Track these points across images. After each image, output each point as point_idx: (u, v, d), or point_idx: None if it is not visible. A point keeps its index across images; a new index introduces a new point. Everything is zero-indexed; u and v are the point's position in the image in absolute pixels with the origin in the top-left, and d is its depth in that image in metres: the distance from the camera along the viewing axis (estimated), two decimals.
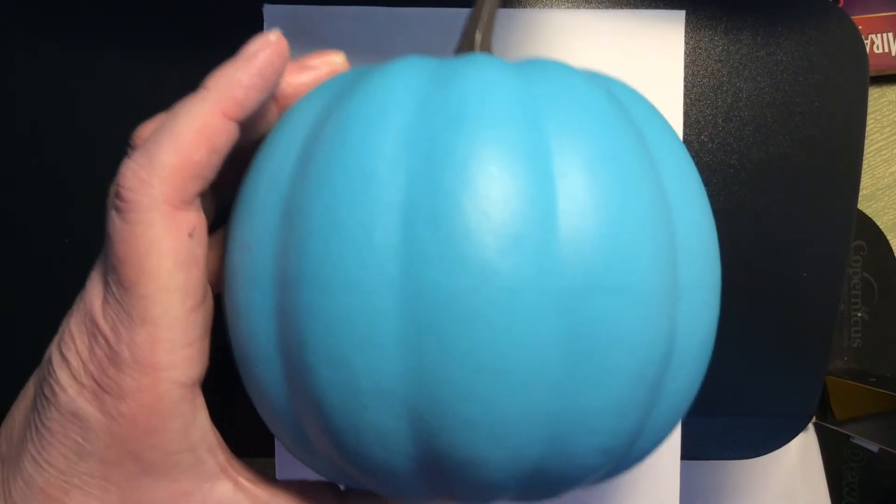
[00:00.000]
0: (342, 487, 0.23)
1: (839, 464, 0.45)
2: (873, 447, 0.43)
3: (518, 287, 0.17)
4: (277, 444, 0.33)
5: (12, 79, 0.32)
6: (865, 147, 0.39)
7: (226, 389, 0.23)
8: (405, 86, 0.19)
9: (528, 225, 0.17)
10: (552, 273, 0.17)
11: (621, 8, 0.33)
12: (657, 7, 0.33)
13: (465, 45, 0.23)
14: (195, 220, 0.20)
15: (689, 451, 0.34)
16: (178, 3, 0.32)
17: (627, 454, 0.20)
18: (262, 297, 0.19)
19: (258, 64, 0.20)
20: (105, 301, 0.19)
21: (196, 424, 0.20)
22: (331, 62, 0.23)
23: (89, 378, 0.19)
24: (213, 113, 0.19)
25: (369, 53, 0.31)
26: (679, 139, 0.21)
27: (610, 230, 0.18)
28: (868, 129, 0.47)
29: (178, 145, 0.19)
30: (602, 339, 0.17)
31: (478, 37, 0.23)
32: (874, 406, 0.40)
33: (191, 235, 0.19)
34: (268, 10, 0.31)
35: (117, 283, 0.19)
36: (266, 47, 0.20)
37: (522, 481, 0.19)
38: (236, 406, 0.25)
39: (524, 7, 0.33)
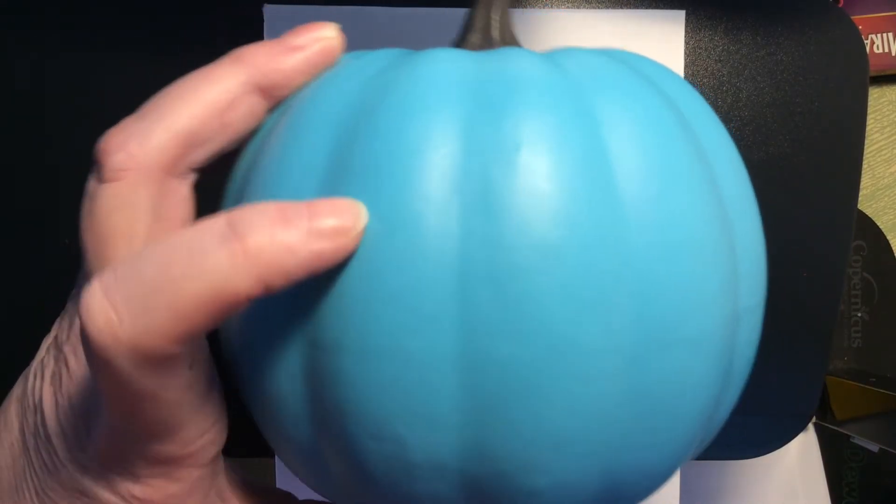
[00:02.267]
0: None
1: (839, 464, 0.45)
2: (873, 447, 0.43)
3: (590, 354, 0.15)
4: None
5: (12, 78, 0.32)
6: (865, 147, 0.39)
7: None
8: (445, 102, 0.16)
9: (600, 284, 0.15)
10: (623, 333, 0.15)
11: (621, 8, 0.33)
12: (657, 7, 0.33)
13: (481, 38, 0.20)
14: (190, 354, 0.16)
15: None
16: (178, 2, 0.32)
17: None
18: (288, 355, 0.17)
19: (319, 256, 0.15)
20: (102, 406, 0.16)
21: (213, 488, 0.19)
22: (321, 38, 0.18)
23: (93, 461, 0.17)
24: (236, 294, 0.14)
25: None
26: (727, 135, 0.19)
27: (683, 276, 0.16)
28: (868, 129, 0.47)
29: (177, 315, 0.14)
30: (669, 391, 0.16)
31: (496, 26, 0.20)
32: (874, 406, 0.40)
33: (190, 367, 0.16)
34: (268, 10, 0.31)
35: (113, 415, 0.16)
36: (338, 238, 0.15)
37: None
38: (234, 406, 0.25)
39: (524, 7, 0.33)
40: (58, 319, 0.19)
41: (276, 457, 0.33)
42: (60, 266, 0.32)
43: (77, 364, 0.17)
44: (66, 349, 0.18)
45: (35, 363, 0.19)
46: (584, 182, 0.15)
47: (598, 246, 0.15)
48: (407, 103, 0.16)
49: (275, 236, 0.14)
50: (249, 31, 0.31)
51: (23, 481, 0.18)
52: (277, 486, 0.33)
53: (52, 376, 0.18)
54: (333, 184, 0.16)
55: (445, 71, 0.17)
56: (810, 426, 0.44)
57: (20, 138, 0.32)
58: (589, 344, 0.15)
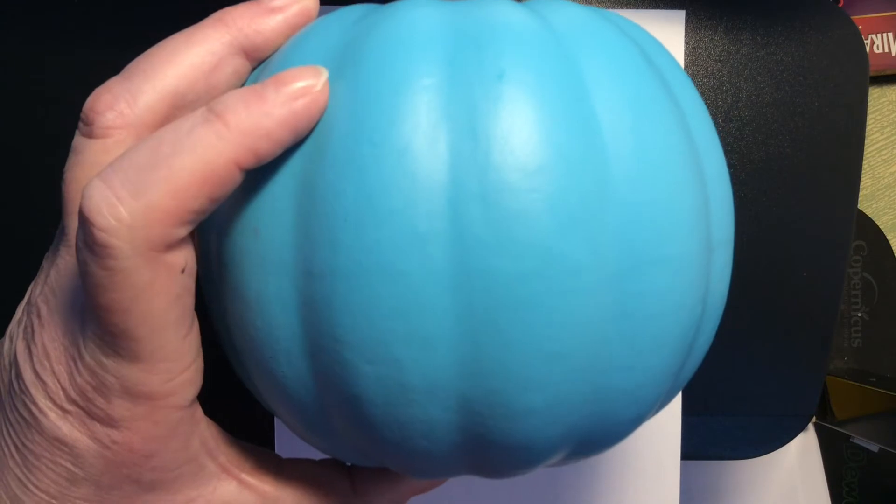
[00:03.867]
0: (348, 463, 0.22)
1: (839, 464, 0.45)
2: (873, 447, 0.43)
3: (577, 268, 0.16)
4: (277, 426, 0.33)
5: (11, 78, 0.32)
6: (865, 147, 0.39)
7: (218, 374, 0.22)
8: (429, 38, 0.17)
9: (583, 201, 0.16)
10: (606, 250, 0.16)
11: (621, 8, 0.33)
12: (657, 7, 0.33)
13: None
14: (186, 254, 0.17)
15: (689, 451, 0.34)
16: (177, 2, 0.32)
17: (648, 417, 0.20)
18: (279, 288, 0.17)
19: (294, 113, 0.16)
20: (84, 334, 0.17)
21: (195, 435, 0.19)
22: (299, 0, 0.19)
23: (72, 404, 0.17)
24: (226, 162, 0.16)
25: None
26: (691, 82, 0.20)
27: (659, 198, 0.17)
28: (868, 129, 0.47)
29: (174, 188, 0.15)
30: (652, 311, 0.17)
31: None
32: (874, 406, 0.40)
33: (183, 271, 0.16)
34: None
35: (101, 325, 0.16)
36: (306, 95, 0.16)
37: (559, 454, 0.19)
38: (230, 391, 0.25)
39: None
40: (30, 286, 0.19)
41: (276, 440, 0.33)
42: None
43: (48, 311, 0.18)
44: (39, 300, 0.18)
45: (10, 327, 0.19)
46: (564, 106, 0.16)
47: (580, 166, 0.16)
48: (391, 39, 0.17)
49: (250, 107, 0.16)
50: None
51: (1, 440, 0.18)
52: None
53: (23, 331, 0.18)
54: (326, 121, 0.17)
55: (427, 12, 0.18)
56: (810, 426, 0.44)
57: (20, 138, 0.32)
58: (575, 258, 0.16)
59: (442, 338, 0.16)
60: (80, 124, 0.18)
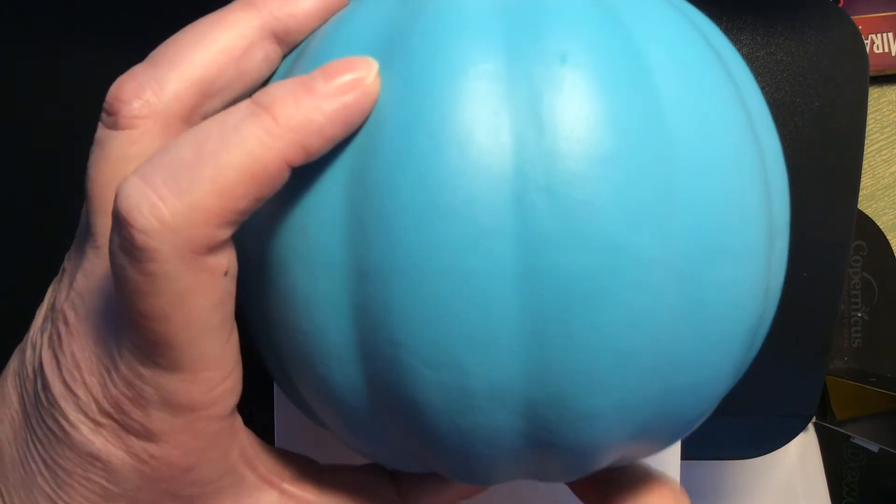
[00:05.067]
0: (390, 468, 0.21)
1: (839, 464, 0.45)
2: (873, 447, 0.43)
3: (648, 261, 0.15)
4: (277, 425, 0.33)
5: (11, 78, 0.32)
6: (865, 147, 0.39)
7: None
8: (482, 19, 0.16)
9: (653, 190, 0.15)
10: (676, 241, 0.15)
11: None
12: None
13: None
14: (229, 255, 0.16)
15: (689, 451, 0.34)
16: (178, 2, 0.32)
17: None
18: (330, 289, 0.16)
19: (345, 107, 0.15)
20: (119, 342, 0.16)
21: (234, 446, 0.18)
22: None
23: (106, 417, 0.16)
24: (276, 159, 0.15)
25: None
26: (746, 65, 0.19)
27: (726, 185, 0.16)
28: (868, 129, 0.47)
29: (221, 186, 0.14)
30: (722, 302, 0.16)
31: None
32: (874, 406, 0.40)
33: (226, 274, 0.15)
34: None
35: (139, 333, 0.15)
36: (357, 87, 0.15)
37: (618, 455, 0.18)
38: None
39: None
40: (52, 284, 0.18)
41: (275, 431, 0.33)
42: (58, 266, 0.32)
43: (76, 318, 0.17)
44: (65, 306, 0.17)
45: (31, 334, 0.18)
46: (631, 91, 0.15)
47: (649, 153, 0.15)
48: (441, 24, 0.16)
49: (299, 101, 0.15)
50: None
51: (28, 455, 0.17)
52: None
53: (49, 339, 0.17)
54: (379, 109, 0.16)
55: None
56: (810, 426, 0.44)
57: (20, 139, 0.32)
58: (645, 251, 0.15)
59: (508, 339, 0.15)
60: (104, 115, 0.17)
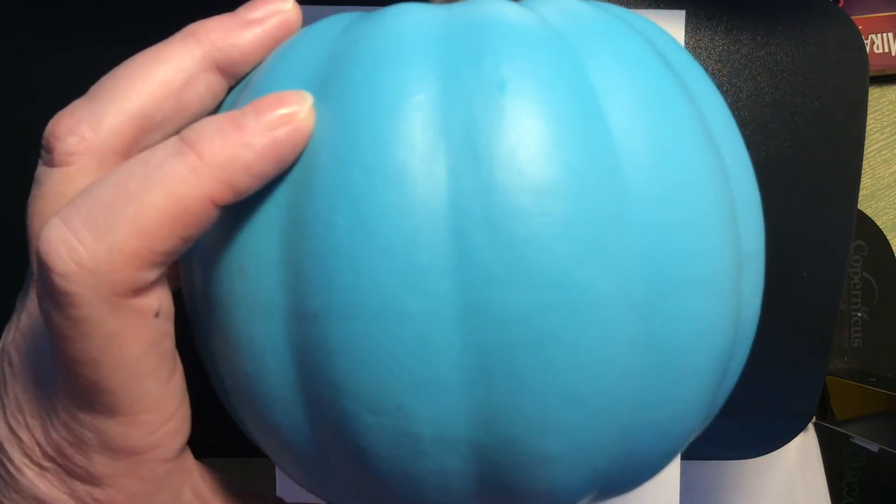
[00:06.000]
0: None
1: (839, 464, 0.45)
2: (873, 447, 0.43)
3: (598, 297, 0.14)
4: None
5: (11, 79, 0.32)
6: (865, 147, 0.39)
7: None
8: (419, 48, 0.15)
9: (601, 222, 0.14)
10: (629, 274, 0.14)
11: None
12: (657, 7, 0.33)
13: None
14: (160, 295, 0.15)
15: (689, 451, 0.34)
16: (177, 2, 0.32)
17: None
18: (269, 331, 0.15)
19: (276, 142, 0.14)
20: (56, 386, 0.15)
21: (186, 487, 0.17)
22: (279, 11, 0.17)
23: (49, 461, 0.16)
24: (200, 198, 0.14)
25: None
26: (712, 84, 0.18)
27: (683, 213, 0.15)
28: (868, 129, 0.47)
29: (142, 227, 0.14)
30: (683, 336, 0.15)
31: None
32: (874, 406, 0.40)
33: (157, 315, 0.15)
34: None
35: (70, 378, 0.15)
36: (289, 122, 0.15)
37: (586, 499, 0.17)
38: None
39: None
40: (6, 327, 0.18)
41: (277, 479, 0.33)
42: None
43: (19, 358, 0.16)
44: (10, 346, 0.17)
45: None
46: (575, 118, 0.15)
47: (595, 183, 0.14)
48: (377, 54, 0.15)
49: (226, 137, 0.14)
50: None
51: None
52: (279, 492, 0.33)
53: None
54: (312, 146, 0.15)
55: (414, 19, 0.16)
56: (810, 426, 0.44)
57: (20, 140, 0.32)
58: (594, 286, 0.14)
59: (451, 382, 0.14)
60: (42, 151, 0.16)
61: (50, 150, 0.16)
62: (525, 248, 0.14)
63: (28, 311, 0.17)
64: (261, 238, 0.15)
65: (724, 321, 0.16)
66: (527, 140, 0.14)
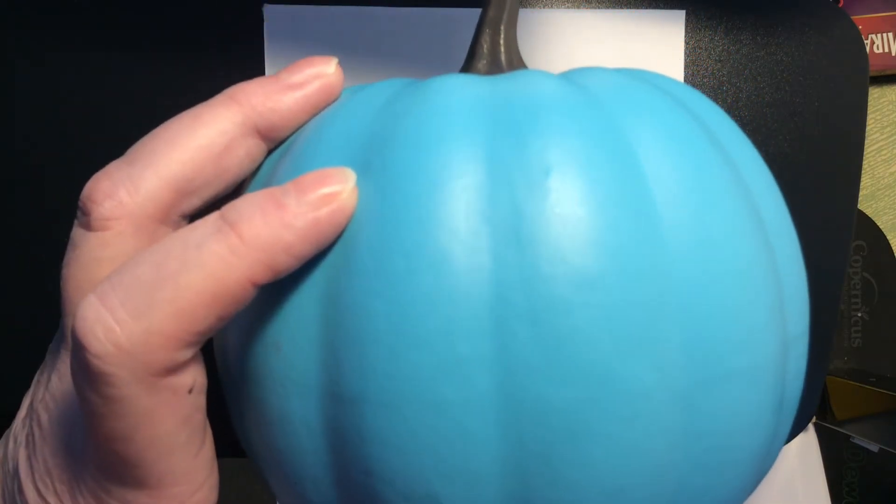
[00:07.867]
0: None
1: (839, 464, 0.45)
2: (873, 447, 0.43)
3: (640, 391, 0.14)
4: None
5: (11, 82, 0.32)
6: (865, 147, 0.39)
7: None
8: (465, 128, 0.15)
9: (646, 315, 0.14)
10: (672, 368, 0.14)
11: (621, 8, 0.33)
12: (657, 7, 0.33)
13: (489, 64, 0.18)
14: (194, 372, 0.15)
15: None
16: (177, 2, 0.32)
17: None
18: (304, 410, 0.15)
19: (317, 224, 0.14)
20: (86, 455, 0.15)
21: None
22: (320, 75, 0.17)
23: None
24: (240, 279, 0.14)
25: (370, 54, 0.31)
26: (756, 151, 0.18)
27: (731, 304, 0.15)
28: (868, 129, 0.47)
29: (180, 309, 0.13)
30: (725, 429, 0.15)
31: (503, 51, 0.18)
32: (874, 406, 0.40)
33: (190, 391, 0.15)
34: (268, 10, 0.31)
35: (101, 453, 0.15)
36: (332, 202, 0.14)
37: None
38: None
39: (524, 7, 0.33)
40: (38, 372, 0.18)
41: None
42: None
43: (49, 421, 0.16)
44: (40, 407, 0.17)
45: (15, 424, 0.18)
46: (620, 206, 0.14)
47: (640, 274, 0.14)
48: (422, 133, 0.15)
49: (268, 217, 0.14)
50: (250, 32, 0.31)
51: None
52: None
53: (26, 438, 0.17)
54: (352, 226, 0.15)
55: (459, 96, 0.16)
56: (810, 426, 0.44)
57: (20, 141, 0.32)
58: (637, 381, 0.14)
59: (487, 474, 0.14)
60: (78, 213, 0.16)
61: (87, 213, 0.16)
62: (567, 341, 0.14)
63: (59, 374, 0.17)
64: (298, 316, 0.15)
65: (767, 410, 0.16)
66: (571, 228, 0.14)
